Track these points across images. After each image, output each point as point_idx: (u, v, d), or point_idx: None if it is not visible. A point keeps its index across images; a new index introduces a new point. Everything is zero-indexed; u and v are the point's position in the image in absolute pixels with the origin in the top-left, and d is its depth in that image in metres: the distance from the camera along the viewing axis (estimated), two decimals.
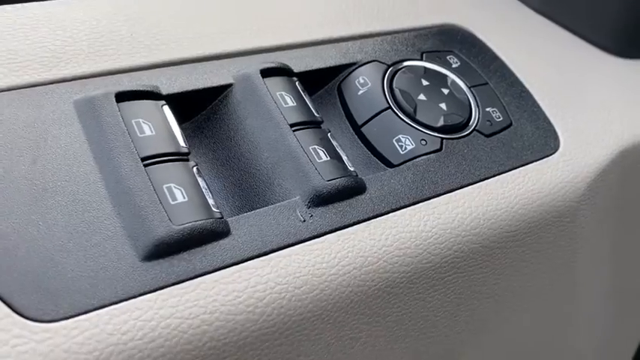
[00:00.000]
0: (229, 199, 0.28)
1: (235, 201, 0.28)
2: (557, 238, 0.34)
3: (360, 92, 0.33)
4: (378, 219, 0.27)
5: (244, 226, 0.25)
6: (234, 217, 0.25)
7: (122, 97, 0.26)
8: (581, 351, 0.43)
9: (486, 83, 0.36)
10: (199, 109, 0.30)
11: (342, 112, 0.33)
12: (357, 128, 0.32)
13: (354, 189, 0.27)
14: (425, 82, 0.34)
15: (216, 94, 0.29)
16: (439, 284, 0.29)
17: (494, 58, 0.38)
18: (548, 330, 0.39)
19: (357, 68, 0.33)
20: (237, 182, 0.28)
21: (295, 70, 0.31)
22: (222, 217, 0.24)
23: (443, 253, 0.28)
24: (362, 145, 0.32)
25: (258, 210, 0.25)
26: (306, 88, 0.31)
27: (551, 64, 0.40)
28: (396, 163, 0.31)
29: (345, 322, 0.26)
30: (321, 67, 0.33)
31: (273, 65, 0.30)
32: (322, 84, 0.33)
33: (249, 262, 0.24)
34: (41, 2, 0.30)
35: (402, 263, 0.27)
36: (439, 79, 0.34)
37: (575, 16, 0.43)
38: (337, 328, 0.26)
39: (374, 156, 0.31)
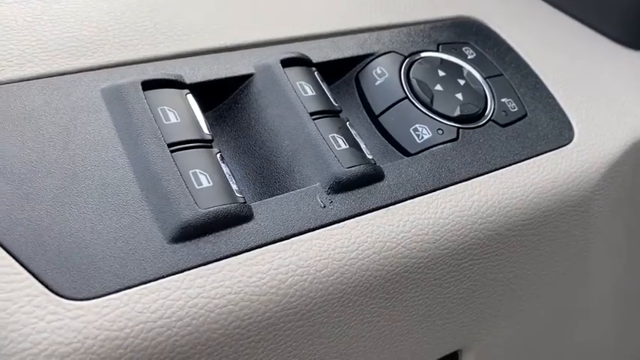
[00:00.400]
0: (250, 185, 0.29)
1: (256, 187, 0.28)
2: (571, 227, 0.34)
3: (378, 82, 0.33)
4: (396, 205, 0.28)
5: (266, 211, 0.25)
6: (256, 202, 0.26)
7: (148, 85, 0.27)
8: (595, 343, 0.44)
9: (501, 74, 0.36)
10: (221, 98, 0.30)
11: (360, 101, 0.33)
12: (374, 118, 0.33)
13: (372, 176, 0.28)
14: (441, 73, 0.34)
15: (238, 83, 0.30)
16: (455, 270, 0.29)
17: (509, 49, 0.38)
18: (562, 321, 0.39)
19: (374, 59, 0.34)
20: (258, 169, 0.29)
21: (314, 61, 0.32)
22: (245, 202, 0.25)
23: (460, 240, 0.29)
24: (379, 134, 0.32)
25: (280, 196, 0.26)
26: (324, 78, 0.32)
27: (564, 56, 0.40)
28: (413, 152, 0.31)
29: (364, 305, 0.26)
30: (339, 57, 0.33)
31: (292, 55, 0.31)
32: (340, 74, 0.34)
33: (271, 245, 0.24)
34: None
35: (419, 249, 0.27)
36: (455, 70, 0.35)
37: (588, 8, 0.43)
38: (356, 312, 0.26)
39: (391, 145, 0.32)
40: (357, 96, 0.34)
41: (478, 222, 0.29)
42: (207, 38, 0.31)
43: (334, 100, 0.31)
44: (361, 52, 0.34)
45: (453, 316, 0.31)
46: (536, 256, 0.33)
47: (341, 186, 0.27)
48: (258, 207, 0.25)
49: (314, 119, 0.28)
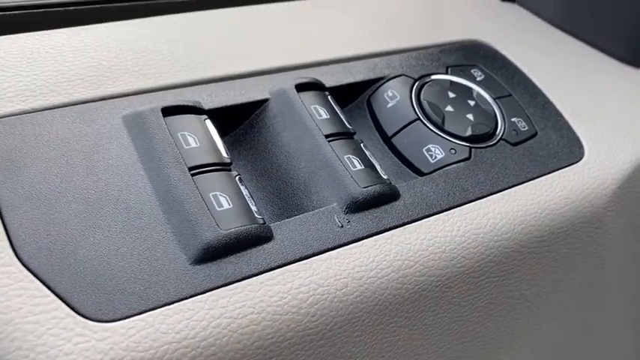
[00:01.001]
0: (268, 207, 0.29)
1: (274, 208, 0.29)
2: (585, 244, 0.35)
3: (389, 105, 0.34)
4: (412, 224, 0.28)
5: (286, 232, 0.26)
6: (276, 223, 0.26)
7: (168, 111, 0.27)
8: None
9: (510, 95, 0.37)
10: (238, 122, 0.31)
11: (372, 124, 0.34)
12: (387, 139, 0.33)
13: (388, 196, 0.28)
14: (451, 95, 0.35)
15: (254, 108, 0.31)
16: (472, 288, 0.30)
17: (517, 71, 0.39)
18: (579, 339, 0.39)
19: (385, 82, 0.35)
20: (276, 191, 0.29)
21: (327, 85, 0.33)
22: (265, 223, 0.26)
23: (476, 258, 0.29)
24: (392, 155, 0.33)
25: (298, 216, 0.27)
26: (337, 102, 0.32)
27: (572, 76, 0.41)
28: (426, 171, 0.32)
29: (384, 324, 0.26)
30: (351, 81, 0.34)
31: (306, 80, 0.31)
32: (352, 98, 0.35)
33: (292, 265, 0.25)
34: (87, 26, 0.32)
35: (437, 267, 0.28)
36: (465, 92, 0.35)
37: (595, 30, 0.44)
38: (376, 331, 0.26)
39: (405, 165, 0.32)
40: (370, 118, 0.34)
41: (494, 239, 0.30)
42: (223, 65, 0.31)
43: (348, 122, 0.31)
44: (372, 76, 0.35)
45: (470, 335, 0.31)
46: (552, 273, 0.33)
47: (358, 206, 0.27)
48: (278, 228, 0.26)
49: (329, 141, 0.29)
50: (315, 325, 0.24)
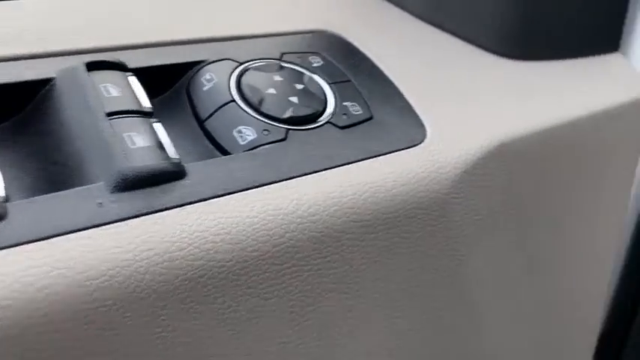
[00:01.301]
0: (38, 193, 0.26)
1: (44, 193, 0.26)
2: (428, 234, 0.32)
3: (205, 88, 0.31)
4: (194, 205, 0.25)
5: (26, 211, 0.23)
6: (16, 202, 0.23)
7: None
8: None
9: (349, 80, 0.35)
10: (20, 106, 0.28)
11: (190, 109, 0.31)
12: (201, 123, 0.31)
13: (170, 174, 0.26)
14: (277, 78, 0.33)
15: (37, 88, 0.28)
16: (275, 277, 0.26)
17: (364, 59, 0.37)
18: (441, 342, 0.35)
19: (205, 66, 0.32)
20: (51, 175, 0.26)
21: (132, 66, 0.30)
22: (6, 201, 0.22)
23: (274, 241, 0.26)
24: (207, 140, 0.30)
25: (48, 195, 0.23)
26: (151, 88, 0.30)
27: (427, 66, 0.39)
28: (235, 153, 0.29)
29: (150, 315, 0.23)
30: (165, 63, 0.32)
31: (100, 59, 0.29)
32: (171, 83, 0.32)
33: (24, 245, 0.22)
34: None
35: (218, 250, 0.25)
36: (294, 76, 0.33)
37: (460, 21, 0.43)
38: (141, 323, 0.23)
39: (216, 149, 0.30)
40: (188, 104, 0.32)
41: (297, 221, 0.27)
42: (3, 46, 0.29)
43: (146, 102, 0.29)
44: (190, 60, 0.32)
45: (285, 333, 0.28)
46: (386, 265, 0.30)
47: (128, 183, 0.24)
48: (16, 207, 0.23)
49: (111, 119, 0.26)
50: (43, 314, 0.21)
